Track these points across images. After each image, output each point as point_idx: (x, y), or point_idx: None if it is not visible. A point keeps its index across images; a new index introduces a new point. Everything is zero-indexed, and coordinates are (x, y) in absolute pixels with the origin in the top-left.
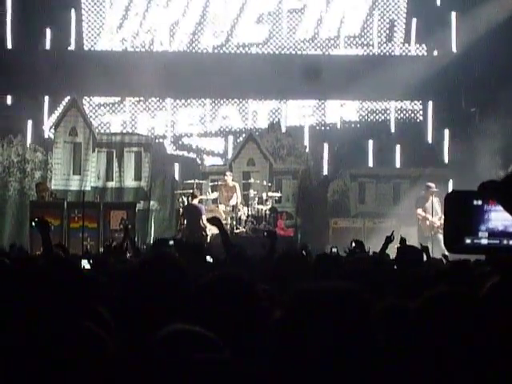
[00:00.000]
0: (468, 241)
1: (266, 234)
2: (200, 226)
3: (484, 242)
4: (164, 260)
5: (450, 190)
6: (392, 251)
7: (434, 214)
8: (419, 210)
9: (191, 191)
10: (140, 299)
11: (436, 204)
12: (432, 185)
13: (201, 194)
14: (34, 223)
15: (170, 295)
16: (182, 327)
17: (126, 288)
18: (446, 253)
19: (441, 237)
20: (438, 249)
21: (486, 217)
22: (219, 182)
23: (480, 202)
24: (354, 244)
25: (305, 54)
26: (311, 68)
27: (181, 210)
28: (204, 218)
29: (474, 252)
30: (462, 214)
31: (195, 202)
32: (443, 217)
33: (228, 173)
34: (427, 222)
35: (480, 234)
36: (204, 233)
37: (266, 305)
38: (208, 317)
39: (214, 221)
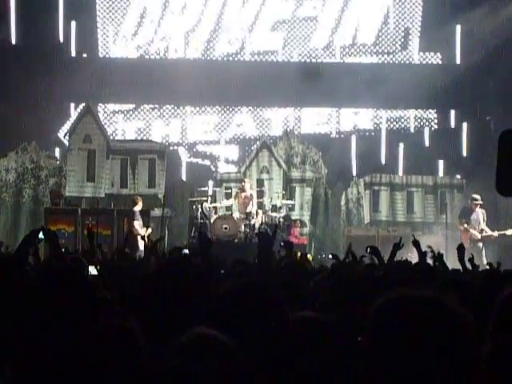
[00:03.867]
0: None
1: (282, 244)
2: (132, 233)
3: None
4: (179, 265)
5: (465, 199)
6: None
7: (478, 226)
8: (461, 222)
9: (200, 198)
10: (155, 304)
11: (480, 216)
12: (477, 197)
13: (215, 201)
14: (41, 234)
15: (186, 300)
16: (202, 332)
17: (143, 293)
18: (485, 262)
19: (480, 245)
20: (479, 258)
21: None
22: (236, 190)
23: None
24: (368, 250)
25: (319, 61)
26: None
27: (198, 215)
28: (136, 224)
29: None
30: None
31: (136, 208)
32: (485, 230)
33: (246, 180)
34: (468, 234)
35: None
36: (134, 242)
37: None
38: (230, 323)
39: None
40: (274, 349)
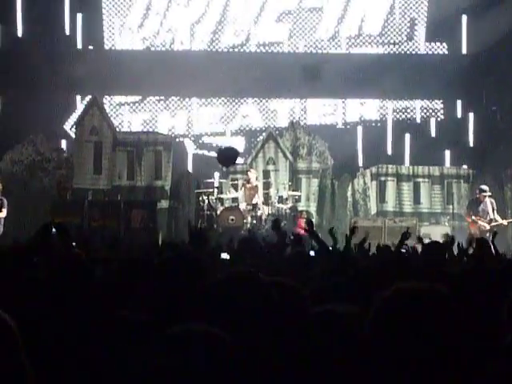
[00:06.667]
0: None
1: (292, 237)
2: None
3: None
4: (184, 259)
5: (472, 189)
6: None
7: (486, 216)
8: (469, 214)
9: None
10: (159, 296)
11: (489, 207)
12: (486, 188)
13: (221, 193)
14: (53, 229)
15: (188, 293)
16: (193, 327)
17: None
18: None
19: (489, 236)
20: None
21: None
22: (242, 181)
23: None
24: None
25: (325, 52)
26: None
27: (205, 206)
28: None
29: None
30: None
31: None
32: (495, 219)
33: (252, 170)
34: (477, 226)
35: None
36: None
37: (277, 302)
38: (221, 315)
39: None
40: (271, 340)
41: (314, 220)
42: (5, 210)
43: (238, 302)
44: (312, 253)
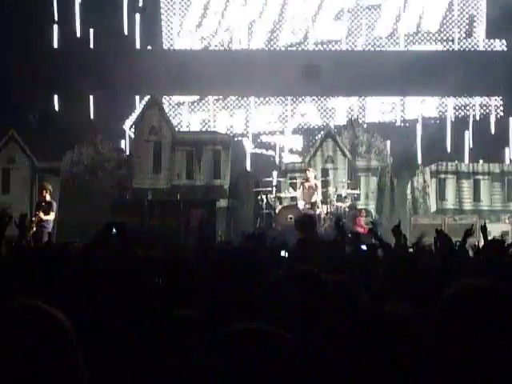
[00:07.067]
0: None
1: (350, 235)
2: None
3: None
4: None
5: None
6: None
7: None
8: None
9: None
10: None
11: None
12: None
13: (279, 192)
14: (113, 230)
15: (246, 292)
16: (251, 325)
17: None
18: None
19: None
20: None
21: None
22: (300, 180)
23: None
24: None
25: (383, 50)
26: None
27: (263, 205)
28: None
29: None
30: None
31: None
32: None
33: (310, 169)
34: None
35: None
36: None
37: (335, 300)
38: (279, 313)
39: None
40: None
41: (373, 218)
42: (53, 213)
43: (295, 300)
44: (364, 247)
